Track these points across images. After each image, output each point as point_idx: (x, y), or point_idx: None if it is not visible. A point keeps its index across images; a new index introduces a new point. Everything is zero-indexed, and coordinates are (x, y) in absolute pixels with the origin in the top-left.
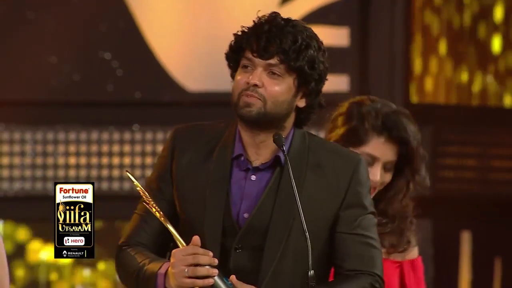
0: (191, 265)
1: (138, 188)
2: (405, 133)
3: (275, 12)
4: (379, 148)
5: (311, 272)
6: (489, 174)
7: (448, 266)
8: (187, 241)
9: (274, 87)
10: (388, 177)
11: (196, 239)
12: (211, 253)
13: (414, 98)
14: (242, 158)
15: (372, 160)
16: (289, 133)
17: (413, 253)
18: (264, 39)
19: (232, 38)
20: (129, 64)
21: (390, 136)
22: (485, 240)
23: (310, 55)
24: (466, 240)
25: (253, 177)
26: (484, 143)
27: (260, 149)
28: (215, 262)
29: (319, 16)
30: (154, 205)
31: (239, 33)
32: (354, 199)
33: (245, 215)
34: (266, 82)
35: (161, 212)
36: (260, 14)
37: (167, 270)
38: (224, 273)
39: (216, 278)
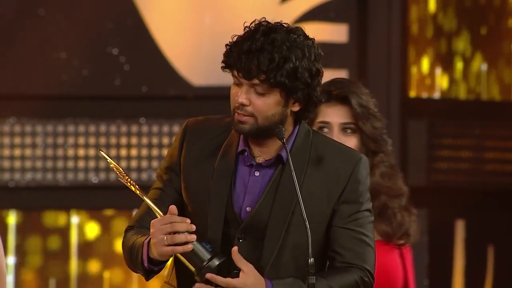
0: (169, 233)
1: (111, 165)
2: (343, 89)
3: (261, 20)
4: (328, 113)
5: (311, 260)
6: (482, 165)
7: (442, 254)
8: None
9: (261, 103)
10: (351, 140)
11: (172, 208)
12: (188, 220)
13: (411, 92)
14: (246, 154)
15: (326, 126)
16: (292, 131)
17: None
18: (244, 60)
19: (234, 34)
20: (136, 59)
21: (331, 96)
22: (478, 228)
23: (289, 68)
24: (460, 229)
25: (257, 173)
26: (478, 135)
27: (263, 147)
28: (192, 228)
29: (319, 13)
30: (129, 179)
31: (228, 47)
32: (351, 196)
33: (248, 209)
34: (253, 99)
35: (137, 186)
36: (252, 18)
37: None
38: (229, 263)
39: (195, 243)
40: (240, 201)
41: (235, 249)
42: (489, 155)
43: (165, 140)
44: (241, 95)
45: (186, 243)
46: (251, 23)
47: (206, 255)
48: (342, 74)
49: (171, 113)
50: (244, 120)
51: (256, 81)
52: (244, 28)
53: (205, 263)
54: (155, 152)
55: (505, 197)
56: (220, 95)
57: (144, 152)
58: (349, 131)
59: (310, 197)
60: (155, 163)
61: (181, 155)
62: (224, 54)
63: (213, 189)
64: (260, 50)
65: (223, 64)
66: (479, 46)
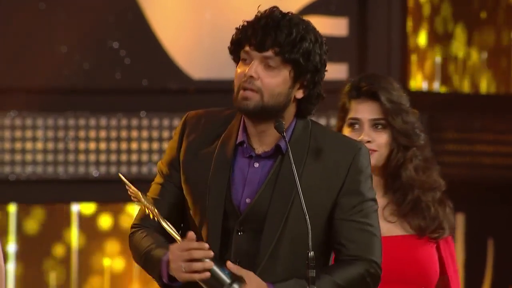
0: (187, 260)
1: (130, 190)
2: (373, 85)
3: (274, 7)
4: (358, 109)
5: (311, 253)
6: (482, 159)
7: None
8: (194, 224)
9: (269, 79)
10: (382, 137)
11: (191, 234)
12: (206, 245)
13: (411, 84)
14: (245, 145)
15: (357, 122)
16: (291, 122)
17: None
18: (260, 33)
19: (235, 28)
20: (136, 53)
21: (361, 93)
22: (478, 222)
23: (305, 47)
24: (460, 222)
25: (256, 165)
26: (478, 129)
27: (262, 138)
28: (210, 255)
29: (319, 7)
30: (148, 205)
31: (240, 27)
32: (352, 187)
33: (247, 201)
34: (262, 74)
35: (156, 211)
36: (261, 8)
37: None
38: (226, 255)
39: (213, 269)
40: (239, 193)
41: (230, 263)
42: (489, 149)
43: (166, 134)
44: (250, 68)
45: (203, 270)
46: (264, 11)
47: (225, 280)
48: (342, 67)
49: (172, 106)
50: (250, 97)
51: (269, 53)
52: (258, 13)
53: None
54: (155, 145)
55: (505, 191)
56: (220, 88)
57: (145, 145)
58: (379, 127)
59: (310, 189)
60: (155, 157)
61: (180, 148)
62: (235, 34)
63: (212, 181)
64: (277, 26)
65: (232, 44)
66: (478, 38)
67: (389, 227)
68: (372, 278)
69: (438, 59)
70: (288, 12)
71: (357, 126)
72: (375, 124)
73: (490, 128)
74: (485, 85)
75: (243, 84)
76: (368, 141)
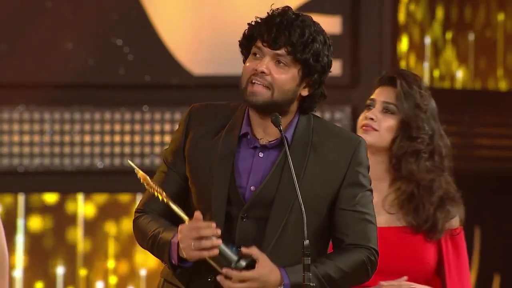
0: (196, 239)
1: (139, 174)
2: (397, 73)
3: (287, 6)
4: (377, 93)
5: (306, 242)
6: (470, 151)
7: None
8: (200, 211)
9: (280, 75)
10: (388, 120)
11: (198, 214)
12: (213, 225)
13: None
14: (249, 136)
15: (372, 103)
16: (294, 117)
17: (451, 223)
18: (274, 31)
19: (235, 25)
20: (139, 49)
21: (385, 79)
22: (466, 211)
23: (315, 48)
24: None
25: (261, 154)
26: (466, 122)
27: (267, 129)
28: (218, 233)
29: (314, 5)
30: (156, 187)
31: (253, 23)
32: (353, 179)
33: (252, 188)
34: (273, 70)
35: (164, 193)
36: (262, 8)
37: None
38: (230, 241)
39: (221, 247)
40: (244, 181)
41: (244, 248)
42: (477, 141)
43: (167, 127)
44: (261, 64)
45: (212, 247)
46: (277, 9)
47: (233, 257)
48: (336, 64)
49: (173, 101)
50: (259, 92)
51: (282, 51)
52: (270, 10)
53: (232, 265)
54: (157, 138)
55: (492, 182)
56: (219, 83)
57: (147, 138)
58: (389, 111)
59: (313, 180)
60: (157, 149)
61: (185, 138)
62: (249, 26)
63: (216, 170)
64: (291, 25)
65: (244, 38)
66: (467, 34)
67: (388, 218)
68: (371, 265)
69: (427, 57)
70: (299, 13)
71: (371, 107)
72: (385, 107)
73: (480, 121)
74: (479, 79)
75: (253, 77)
76: (371, 119)
